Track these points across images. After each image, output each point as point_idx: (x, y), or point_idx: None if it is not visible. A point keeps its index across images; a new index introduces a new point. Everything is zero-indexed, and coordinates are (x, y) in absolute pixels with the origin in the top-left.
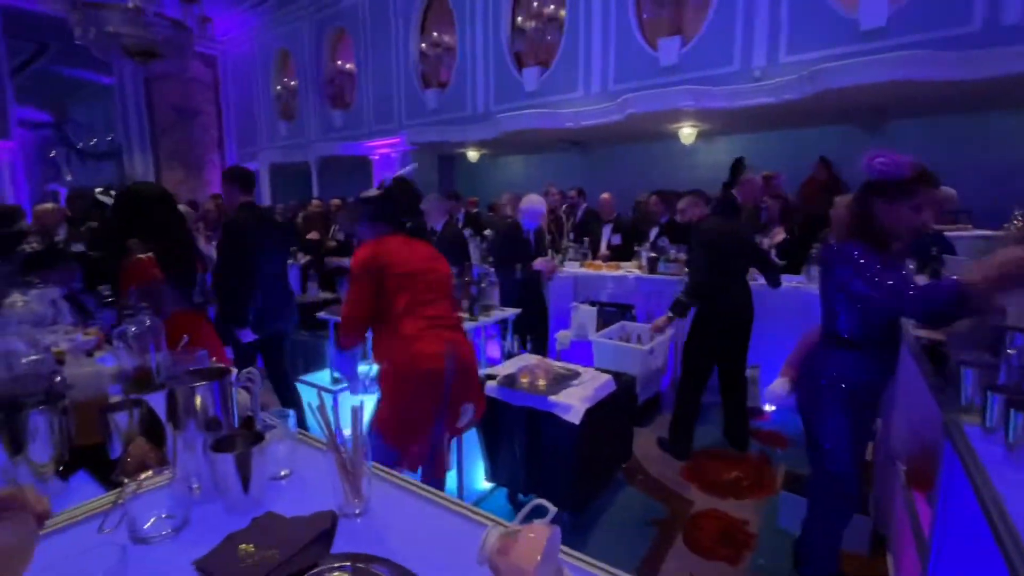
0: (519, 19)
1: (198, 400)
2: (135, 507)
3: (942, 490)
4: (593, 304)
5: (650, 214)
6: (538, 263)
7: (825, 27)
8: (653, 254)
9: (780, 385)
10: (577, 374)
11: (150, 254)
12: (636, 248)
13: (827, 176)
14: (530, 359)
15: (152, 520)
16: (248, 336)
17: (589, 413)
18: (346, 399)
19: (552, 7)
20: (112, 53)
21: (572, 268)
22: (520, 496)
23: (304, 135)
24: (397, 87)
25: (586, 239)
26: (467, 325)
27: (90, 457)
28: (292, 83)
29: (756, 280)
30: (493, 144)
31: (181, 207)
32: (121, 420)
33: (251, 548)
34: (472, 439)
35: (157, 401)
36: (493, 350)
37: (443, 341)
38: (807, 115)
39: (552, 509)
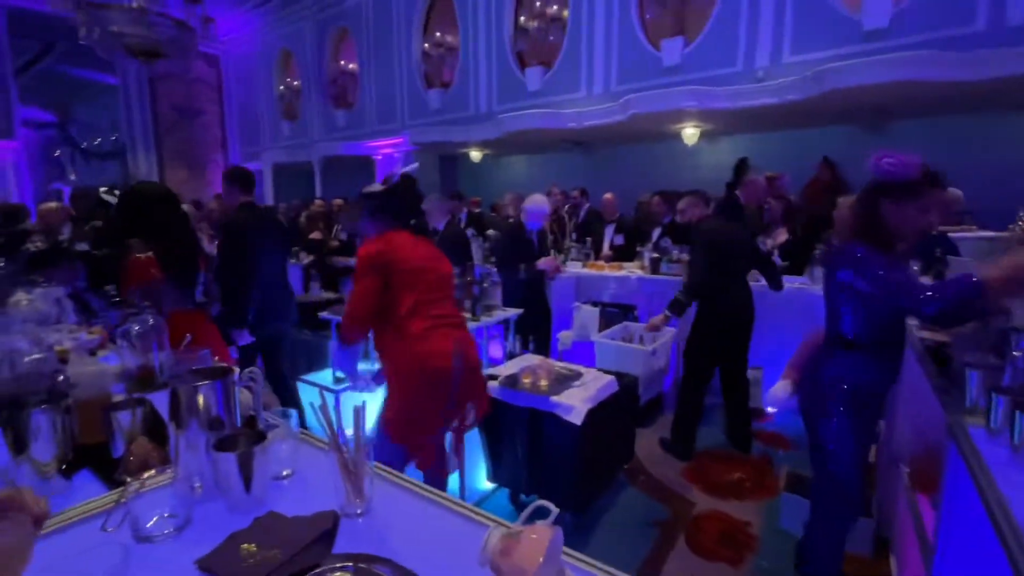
0: (522, 19)
1: (201, 399)
2: (138, 506)
3: (946, 492)
4: (595, 304)
5: (652, 214)
6: (542, 262)
7: (828, 27)
8: (656, 254)
9: (782, 388)
10: (579, 374)
11: (149, 253)
12: (639, 248)
13: (830, 177)
14: (532, 359)
15: (155, 519)
16: (245, 339)
17: (591, 414)
18: (348, 398)
19: (555, 7)
20: (116, 53)
21: (574, 268)
22: (522, 496)
23: (307, 135)
24: (400, 87)
25: (588, 239)
26: (469, 325)
27: (93, 456)
28: (295, 83)
29: (759, 281)
30: (496, 144)
31: (185, 207)
32: (124, 419)
33: (253, 548)
34: (474, 439)
35: (160, 400)
36: (495, 350)
37: (451, 340)
38: (810, 115)
39: (554, 510)
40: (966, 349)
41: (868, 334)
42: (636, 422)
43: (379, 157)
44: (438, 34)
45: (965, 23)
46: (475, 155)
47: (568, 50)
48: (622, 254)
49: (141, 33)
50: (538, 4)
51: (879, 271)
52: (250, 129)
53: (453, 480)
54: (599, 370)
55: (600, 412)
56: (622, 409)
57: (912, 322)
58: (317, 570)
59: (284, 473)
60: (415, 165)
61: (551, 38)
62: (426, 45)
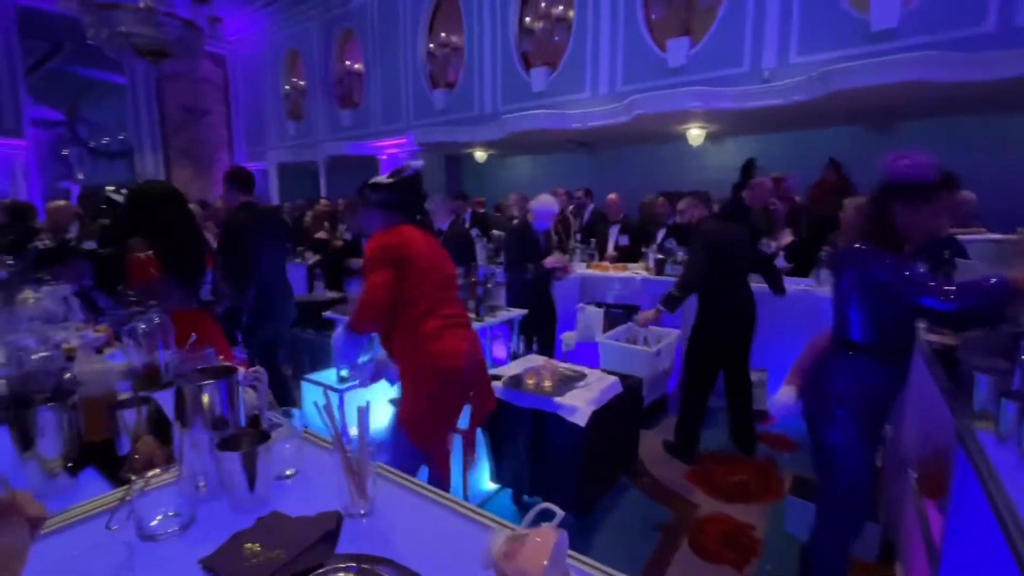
0: (527, 19)
1: (205, 398)
2: (142, 504)
3: (954, 497)
4: (600, 305)
5: (657, 215)
6: (550, 260)
7: (836, 28)
8: (660, 256)
9: (786, 393)
10: (583, 376)
11: (149, 253)
12: (643, 250)
13: (837, 178)
14: (536, 360)
15: (159, 518)
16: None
17: (595, 415)
18: (352, 398)
19: (560, 7)
20: (124, 53)
21: (579, 269)
22: (525, 497)
23: (312, 135)
24: (405, 87)
25: (593, 240)
26: (474, 326)
27: (99, 453)
28: (301, 83)
29: (762, 283)
30: (500, 144)
31: (191, 206)
32: (129, 417)
33: (257, 547)
34: (477, 440)
35: (165, 399)
36: (499, 350)
37: (463, 339)
38: (816, 116)
39: (559, 513)
40: (975, 353)
41: (877, 338)
42: (640, 424)
43: (384, 157)
44: (443, 34)
45: (974, 24)
46: (480, 155)
47: (573, 51)
48: (627, 255)
49: (149, 33)
50: (543, 4)
51: (898, 269)
52: (256, 129)
53: (455, 480)
54: (603, 371)
55: (604, 413)
56: (626, 411)
57: (921, 325)
58: (320, 570)
59: (288, 473)
60: (420, 163)
61: (556, 38)
62: (431, 45)
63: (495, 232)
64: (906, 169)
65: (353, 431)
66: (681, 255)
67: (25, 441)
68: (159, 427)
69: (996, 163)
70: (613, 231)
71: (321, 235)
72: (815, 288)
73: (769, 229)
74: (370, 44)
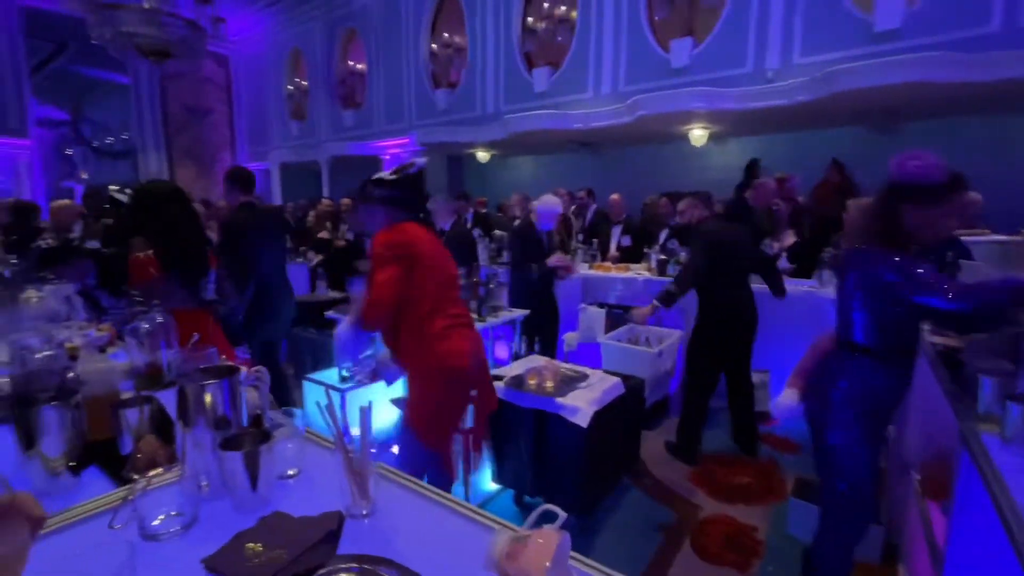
0: (530, 20)
1: (208, 398)
2: (145, 504)
3: (958, 500)
4: (602, 306)
5: (659, 216)
6: (554, 259)
7: (839, 28)
8: (663, 256)
9: (789, 396)
10: (585, 376)
11: (149, 252)
12: (646, 250)
13: (840, 179)
14: (538, 360)
15: (161, 517)
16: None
17: (597, 416)
18: (354, 398)
19: (563, 8)
20: (128, 53)
21: (581, 269)
22: (526, 498)
23: (315, 135)
24: (407, 87)
25: (595, 240)
26: (475, 326)
27: (101, 453)
28: (303, 83)
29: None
30: (502, 145)
31: (194, 206)
32: (132, 417)
33: (259, 547)
34: (482, 439)
35: (168, 398)
36: (501, 351)
37: (468, 339)
38: (819, 117)
39: (562, 515)
40: (979, 355)
41: (881, 340)
42: (642, 425)
43: (387, 157)
44: (446, 34)
45: (978, 24)
46: (482, 155)
47: (576, 51)
48: (629, 255)
49: (152, 33)
50: (546, 5)
51: (908, 269)
52: (259, 128)
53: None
54: (605, 372)
55: (606, 414)
56: (628, 411)
57: (925, 327)
58: (322, 571)
59: (290, 472)
60: (424, 160)
61: (559, 39)
62: (434, 45)
63: (497, 232)
64: (916, 170)
65: (355, 431)
66: (683, 255)
67: (28, 440)
68: (161, 426)
69: (1000, 164)
70: (615, 231)
71: (323, 235)
72: (818, 289)
73: (772, 230)
74: (373, 44)
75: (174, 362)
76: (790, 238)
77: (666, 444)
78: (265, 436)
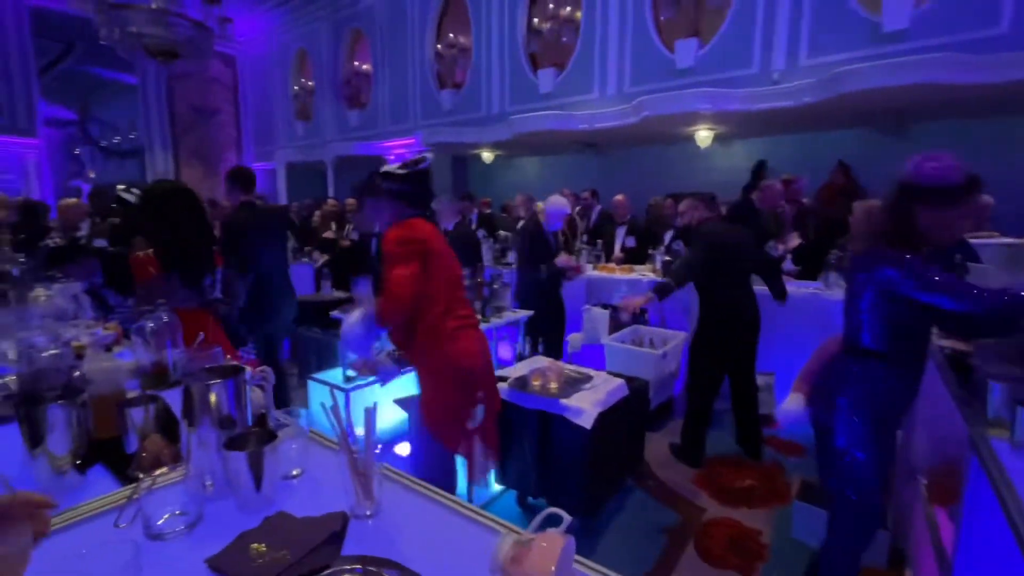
0: (535, 20)
1: (213, 397)
2: (150, 503)
3: (967, 506)
4: (606, 307)
5: (664, 217)
6: (561, 260)
7: (846, 29)
8: (667, 257)
9: (794, 400)
10: (589, 378)
11: (149, 251)
12: (650, 251)
13: (845, 180)
14: (542, 361)
15: (166, 516)
16: None
17: (601, 417)
18: (359, 397)
19: (568, 8)
20: (136, 53)
21: (585, 270)
22: (530, 499)
23: (320, 135)
24: (413, 87)
25: (600, 241)
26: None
27: (107, 451)
28: (309, 83)
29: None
30: (507, 145)
31: None
32: (137, 416)
33: (263, 548)
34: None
35: (173, 397)
36: (505, 351)
37: (476, 339)
38: (826, 118)
39: (567, 519)
40: (989, 360)
41: (891, 344)
42: (646, 426)
43: (392, 157)
44: (451, 35)
45: (987, 25)
46: (487, 156)
47: (581, 51)
48: (633, 256)
49: (160, 33)
50: (551, 5)
51: (923, 269)
52: (264, 129)
53: (460, 481)
54: (609, 373)
55: (610, 416)
56: (632, 413)
57: (934, 331)
58: (326, 572)
59: (294, 472)
60: (432, 155)
61: (564, 39)
62: (439, 46)
63: (501, 233)
64: (933, 171)
65: (359, 431)
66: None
67: (35, 438)
68: (167, 426)
69: (1008, 167)
70: (620, 232)
71: (328, 235)
72: (823, 291)
73: (778, 232)
74: (378, 44)
75: (180, 361)
76: (795, 240)
77: (670, 446)
78: (270, 436)
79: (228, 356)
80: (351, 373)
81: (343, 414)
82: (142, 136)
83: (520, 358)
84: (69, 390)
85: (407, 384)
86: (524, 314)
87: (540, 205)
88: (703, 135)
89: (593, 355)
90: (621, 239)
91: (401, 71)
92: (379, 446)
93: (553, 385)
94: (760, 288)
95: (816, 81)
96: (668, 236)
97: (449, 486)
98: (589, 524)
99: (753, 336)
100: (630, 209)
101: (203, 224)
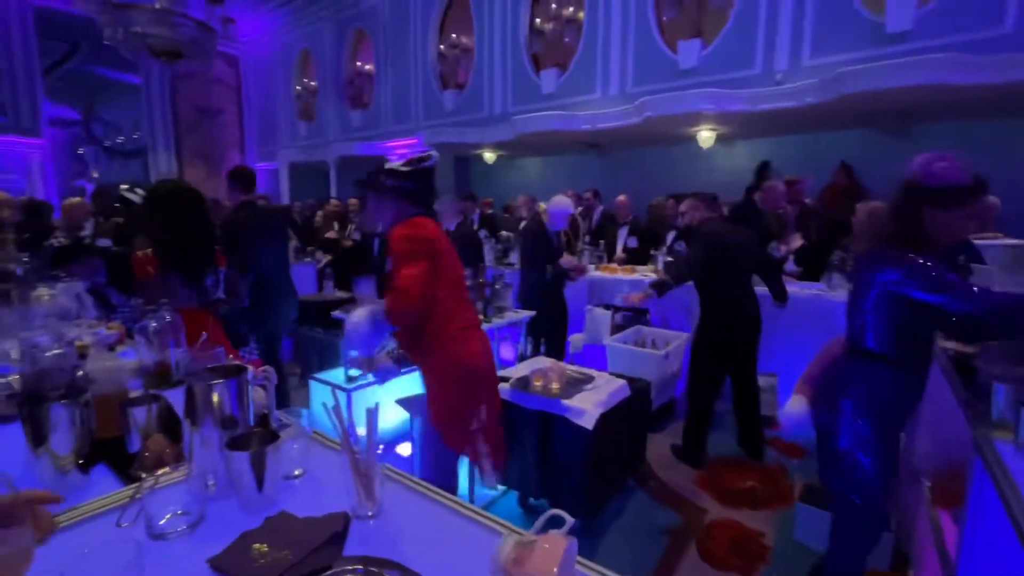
0: (537, 21)
1: (215, 397)
2: (152, 502)
3: (971, 508)
4: (608, 308)
5: (666, 217)
6: (565, 260)
7: (850, 30)
8: (669, 258)
9: (796, 403)
10: (591, 378)
11: (148, 251)
12: (652, 252)
13: (847, 182)
14: (543, 362)
15: (168, 516)
16: None
17: (603, 418)
18: (360, 398)
19: (571, 9)
20: (140, 53)
21: (588, 271)
22: (531, 500)
23: (323, 135)
24: (415, 88)
25: (601, 242)
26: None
27: (110, 450)
28: (312, 83)
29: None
30: (510, 146)
31: None
32: (140, 415)
33: (264, 548)
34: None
35: (176, 397)
36: (506, 352)
37: (481, 340)
38: (828, 119)
39: (569, 520)
40: (993, 361)
41: (895, 346)
42: (648, 427)
43: (394, 158)
44: (454, 35)
45: (991, 25)
46: (489, 156)
47: (584, 52)
48: (635, 257)
49: (164, 34)
50: (554, 6)
51: (929, 270)
52: (267, 129)
53: (462, 482)
54: (611, 374)
55: (612, 416)
56: (634, 414)
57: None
58: (328, 572)
59: (296, 473)
60: (437, 154)
61: (566, 40)
62: (442, 46)
63: (503, 233)
64: (942, 172)
65: (361, 432)
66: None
67: (38, 437)
68: (169, 425)
69: (1011, 168)
70: (622, 233)
71: (331, 235)
72: (826, 292)
73: (780, 232)
74: (381, 45)
75: (182, 361)
76: (797, 241)
77: (672, 447)
78: (272, 436)
79: (229, 356)
80: (353, 373)
81: (345, 414)
82: (145, 136)
83: (522, 358)
84: (72, 389)
85: (408, 384)
86: (526, 314)
87: (543, 205)
88: (705, 135)
89: (595, 356)
90: (623, 239)
91: (404, 71)
92: (381, 446)
93: (555, 386)
94: (761, 289)
95: (819, 82)
96: (670, 237)
97: (452, 487)
98: (590, 525)
99: (754, 336)
100: (632, 210)
101: (206, 224)
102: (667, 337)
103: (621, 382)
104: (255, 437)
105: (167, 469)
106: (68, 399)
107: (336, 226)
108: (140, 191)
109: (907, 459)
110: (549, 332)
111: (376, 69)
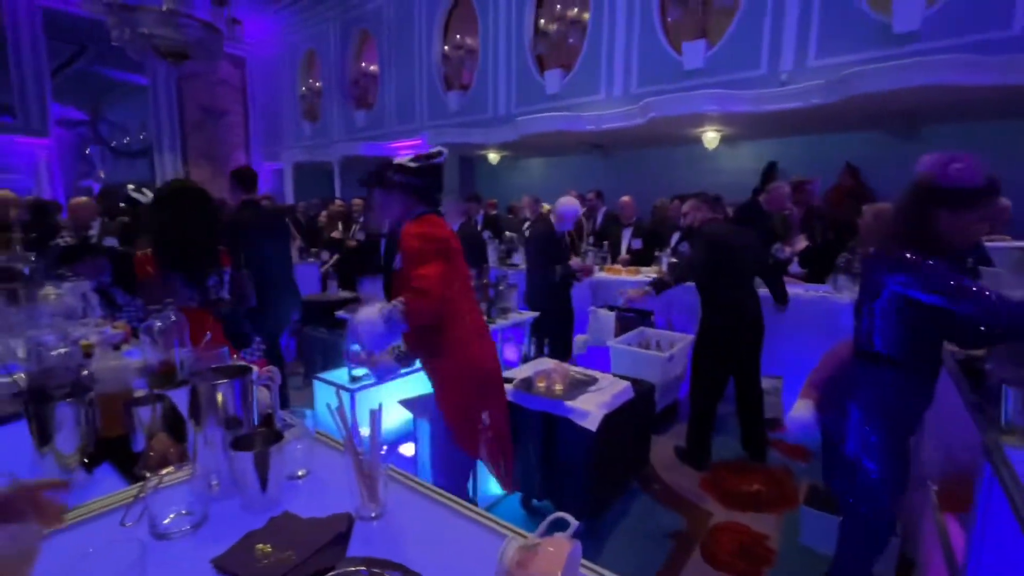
0: (542, 21)
1: (220, 397)
2: (156, 502)
3: (979, 514)
4: (611, 309)
5: (670, 218)
6: (574, 262)
7: (856, 30)
8: (674, 259)
9: (803, 408)
10: (594, 380)
11: (148, 250)
12: (656, 253)
13: (853, 183)
14: (547, 363)
15: (172, 516)
16: None
17: (606, 420)
18: (364, 398)
19: (575, 9)
20: (146, 54)
21: (595, 272)
22: (535, 501)
23: (327, 135)
24: (419, 88)
25: (605, 243)
26: None
27: (114, 450)
28: (317, 84)
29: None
30: (514, 146)
31: None
32: (144, 414)
33: (268, 548)
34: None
35: (180, 397)
36: (510, 353)
37: (490, 342)
38: (834, 120)
39: (574, 523)
40: (1003, 365)
41: (903, 349)
42: (652, 429)
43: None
44: (458, 36)
45: (999, 27)
46: (493, 157)
47: (588, 53)
48: (639, 258)
49: (170, 35)
50: (558, 7)
51: (938, 273)
52: (272, 129)
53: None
54: (614, 376)
55: (615, 418)
56: (637, 415)
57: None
58: (331, 573)
59: (299, 473)
60: (446, 151)
61: (571, 40)
62: (446, 47)
63: (507, 234)
64: (957, 173)
65: (365, 432)
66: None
67: (43, 436)
68: (173, 425)
69: (1019, 169)
70: (626, 234)
71: (335, 235)
72: (832, 294)
73: (785, 234)
74: (385, 45)
75: (187, 361)
76: (801, 242)
77: (675, 449)
78: (276, 436)
79: (234, 357)
80: (357, 373)
81: (348, 415)
82: (151, 137)
83: (526, 359)
84: (77, 388)
85: (411, 385)
86: (530, 315)
87: (547, 207)
88: (710, 136)
89: (599, 357)
90: (627, 240)
91: (408, 72)
92: (384, 447)
93: (558, 387)
94: (764, 291)
95: (825, 82)
96: (674, 238)
97: (462, 490)
98: (594, 527)
99: (756, 337)
100: (636, 211)
101: (212, 223)
102: (671, 339)
103: (625, 384)
104: (259, 437)
105: (171, 469)
106: (73, 398)
107: (340, 226)
108: (146, 191)
109: (915, 463)
110: (554, 333)
111: (380, 70)
